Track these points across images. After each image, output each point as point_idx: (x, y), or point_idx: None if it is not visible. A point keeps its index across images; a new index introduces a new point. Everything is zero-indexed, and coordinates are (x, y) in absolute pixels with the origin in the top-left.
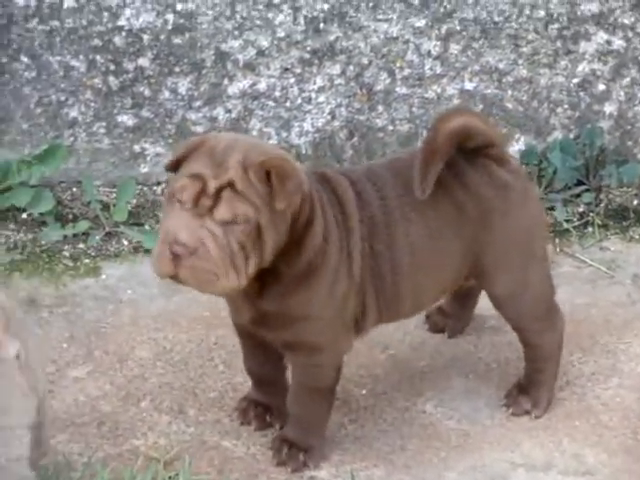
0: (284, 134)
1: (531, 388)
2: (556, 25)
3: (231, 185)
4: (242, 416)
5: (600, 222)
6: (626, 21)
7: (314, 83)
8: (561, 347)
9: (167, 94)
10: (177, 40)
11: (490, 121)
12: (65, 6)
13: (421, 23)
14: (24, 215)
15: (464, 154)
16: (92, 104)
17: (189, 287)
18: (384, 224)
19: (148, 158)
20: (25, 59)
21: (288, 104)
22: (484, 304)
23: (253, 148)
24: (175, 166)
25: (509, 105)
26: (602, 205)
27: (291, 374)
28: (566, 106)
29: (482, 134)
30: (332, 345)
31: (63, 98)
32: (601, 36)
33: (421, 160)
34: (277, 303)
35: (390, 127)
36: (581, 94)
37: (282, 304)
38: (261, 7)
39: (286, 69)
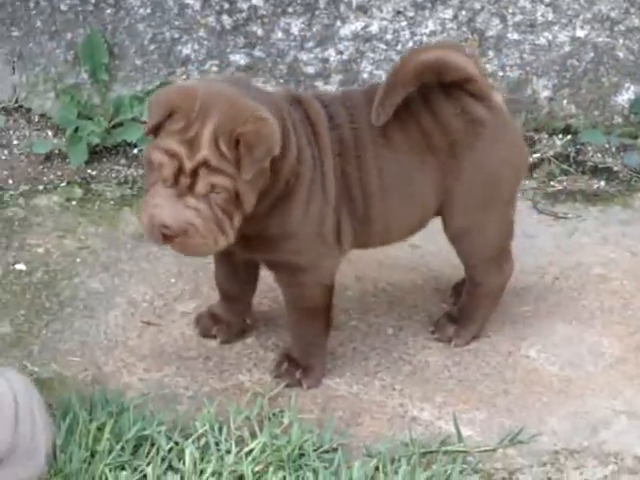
0: None
1: (461, 319)
2: None
3: (206, 163)
4: (204, 329)
5: None
6: None
7: (426, 27)
8: (502, 291)
9: (280, 34)
10: None
11: (474, 56)
12: None
13: None
14: (135, 151)
15: (441, 86)
16: (205, 42)
17: None
18: (354, 147)
19: None
20: None
21: (399, 47)
22: (589, 250)
23: (227, 111)
24: (154, 131)
25: (620, 54)
26: None
27: (282, 295)
28: None
29: (457, 69)
30: (314, 263)
31: (177, 36)
32: None
33: (383, 87)
34: (256, 226)
35: (500, 73)
36: None
37: (261, 226)
38: None
39: (398, 12)
